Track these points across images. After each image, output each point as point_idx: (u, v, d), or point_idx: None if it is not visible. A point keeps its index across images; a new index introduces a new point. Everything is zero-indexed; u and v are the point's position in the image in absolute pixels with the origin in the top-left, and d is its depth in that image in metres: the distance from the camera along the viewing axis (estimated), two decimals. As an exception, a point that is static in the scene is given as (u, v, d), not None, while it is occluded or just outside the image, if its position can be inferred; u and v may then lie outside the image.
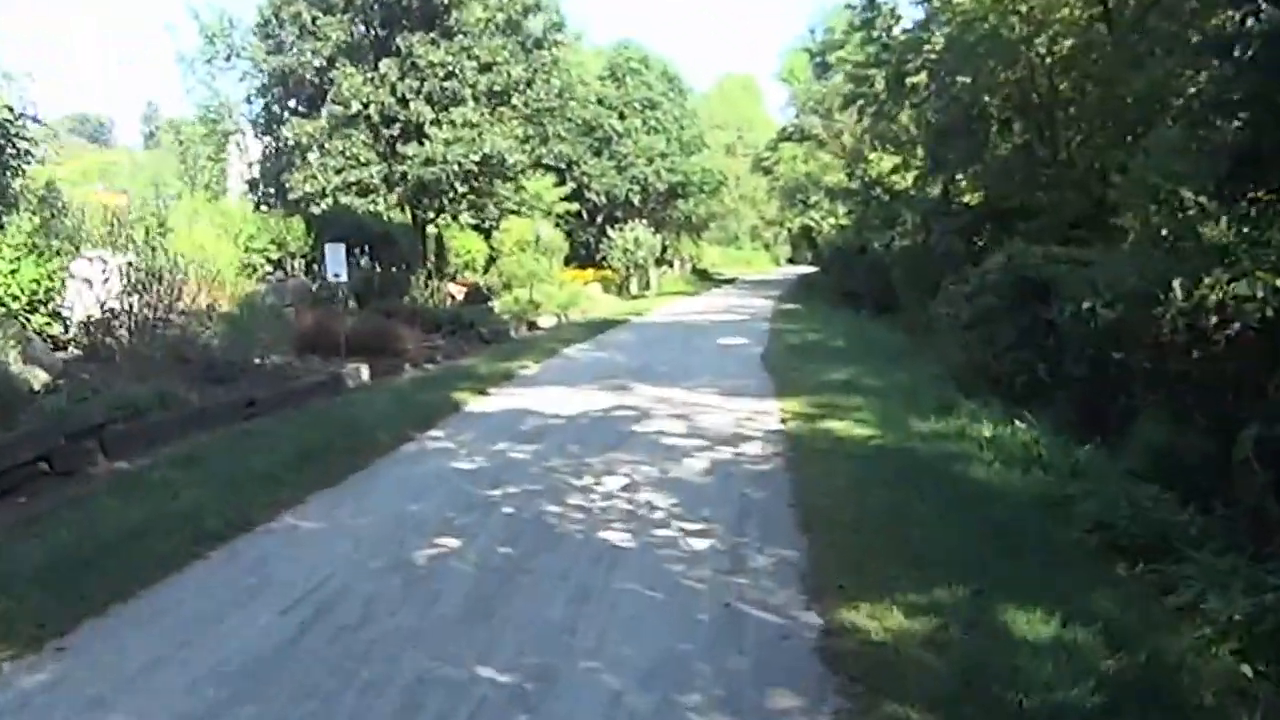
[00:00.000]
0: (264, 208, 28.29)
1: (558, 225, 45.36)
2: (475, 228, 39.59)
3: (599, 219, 49.01)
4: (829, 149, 40.80)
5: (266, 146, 29.02)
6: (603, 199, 47.62)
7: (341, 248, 17.34)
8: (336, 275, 16.54)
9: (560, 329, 26.03)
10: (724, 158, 60.18)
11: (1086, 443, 9.87)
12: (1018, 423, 10.19)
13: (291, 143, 26.80)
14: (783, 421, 11.79)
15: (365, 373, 16.01)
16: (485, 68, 25.34)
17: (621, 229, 46.26)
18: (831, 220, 36.67)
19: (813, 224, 40.24)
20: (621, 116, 47.77)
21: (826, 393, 13.57)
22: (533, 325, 26.41)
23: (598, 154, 47.60)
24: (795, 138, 45.92)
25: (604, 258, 46.42)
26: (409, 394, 13.97)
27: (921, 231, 20.70)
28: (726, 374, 16.54)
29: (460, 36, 25.14)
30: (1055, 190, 19.30)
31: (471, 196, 28.06)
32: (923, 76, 20.88)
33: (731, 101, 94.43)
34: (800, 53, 46.54)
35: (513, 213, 40.30)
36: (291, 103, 27.61)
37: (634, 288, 46.74)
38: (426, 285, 26.91)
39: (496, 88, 25.46)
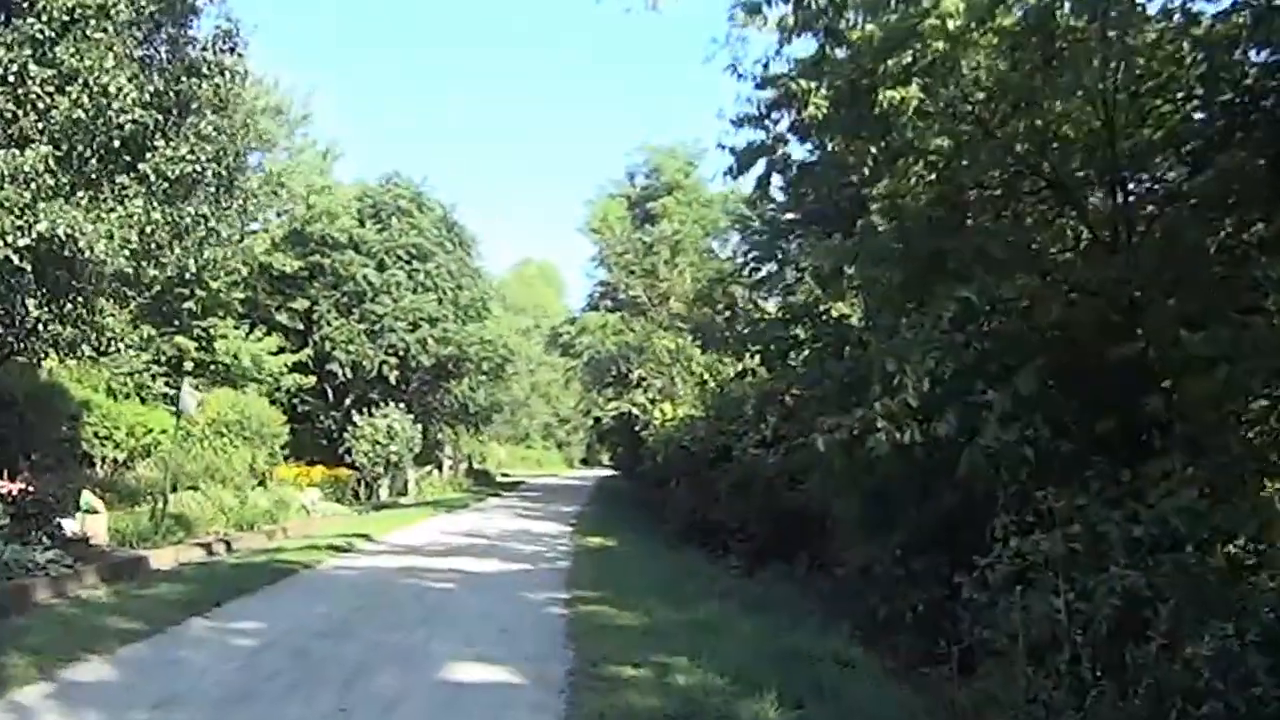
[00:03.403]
0: None
1: (289, 403, 33.38)
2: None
3: (347, 400, 36.90)
4: (654, 316, 30.29)
5: None
6: (348, 373, 35.60)
7: None
8: None
9: (143, 598, 11.51)
10: (516, 338, 49.27)
11: None
12: None
13: None
14: None
15: None
16: (66, 82, 13.56)
17: (372, 415, 34.31)
18: (666, 409, 25.24)
19: (637, 411, 28.51)
20: (381, 266, 36.29)
21: None
22: (103, 579, 13.44)
23: (346, 313, 35.79)
24: (605, 306, 35.39)
25: (349, 450, 34.22)
26: None
27: (945, 418, 8.74)
28: None
29: (33, 22, 13.48)
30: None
31: (57, 326, 15.73)
32: (913, 90, 10.14)
33: (530, 288, 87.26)
34: (616, 200, 36.58)
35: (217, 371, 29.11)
36: None
37: (384, 493, 34.42)
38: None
39: (81, 116, 13.55)
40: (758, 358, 13.41)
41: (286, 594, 12.63)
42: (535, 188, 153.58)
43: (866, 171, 11.66)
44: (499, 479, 55.06)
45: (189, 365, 30.63)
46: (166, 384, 28.86)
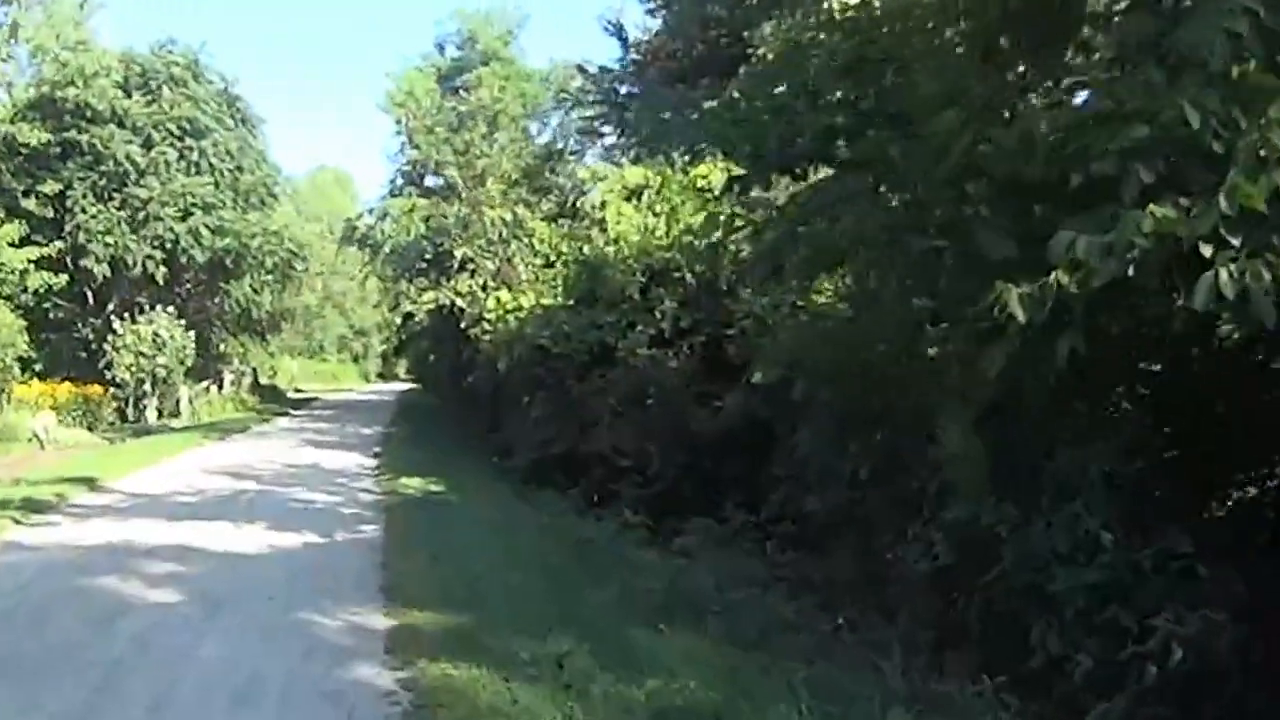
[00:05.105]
0: None
1: (39, 308, 27.97)
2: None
3: (110, 305, 31.48)
4: (470, 200, 26.05)
5: None
6: (108, 270, 30.21)
7: None
8: None
9: None
10: (308, 234, 44.14)
11: None
12: None
13: None
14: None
15: None
16: None
17: (136, 321, 29.28)
18: (503, 297, 20.29)
19: (462, 303, 23.32)
20: (148, 144, 30.73)
21: None
22: None
23: (105, 199, 30.22)
24: (412, 191, 30.80)
25: (110, 364, 29.12)
26: None
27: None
28: None
29: None
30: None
31: None
32: None
33: (325, 196, 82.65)
34: (424, 72, 31.84)
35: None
36: None
37: (152, 415, 29.43)
38: None
39: None
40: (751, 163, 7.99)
41: None
42: (329, 95, 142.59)
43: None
44: (290, 395, 49.83)
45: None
46: None
